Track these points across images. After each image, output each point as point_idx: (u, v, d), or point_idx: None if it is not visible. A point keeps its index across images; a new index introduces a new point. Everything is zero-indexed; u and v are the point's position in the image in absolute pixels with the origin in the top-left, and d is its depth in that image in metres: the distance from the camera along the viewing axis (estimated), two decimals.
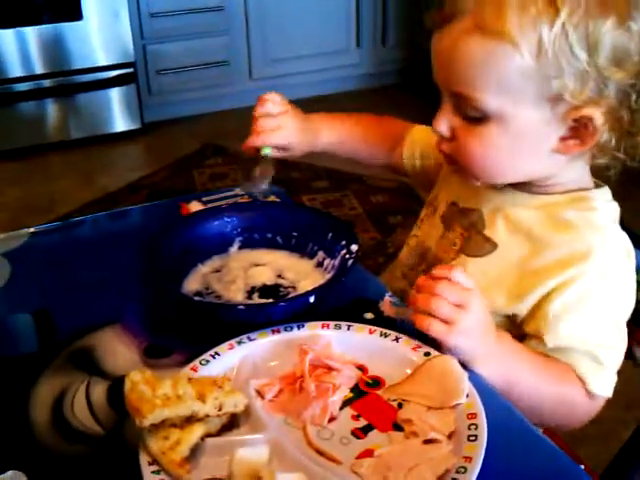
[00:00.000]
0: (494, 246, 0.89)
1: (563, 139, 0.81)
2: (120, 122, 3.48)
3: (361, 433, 0.69)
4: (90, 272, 0.99)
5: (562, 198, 0.87)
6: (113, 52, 3.34)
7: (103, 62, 3.34)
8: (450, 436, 0.67)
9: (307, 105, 3.79)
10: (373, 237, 2.61)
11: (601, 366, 0.81)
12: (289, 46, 3.77)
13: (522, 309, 0.84)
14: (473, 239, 0.91)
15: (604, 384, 0.82)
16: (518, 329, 0.85)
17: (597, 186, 0.88)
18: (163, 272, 0.85)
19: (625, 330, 0.85)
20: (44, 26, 3.18)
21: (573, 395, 0.82)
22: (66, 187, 3.01)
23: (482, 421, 0.66)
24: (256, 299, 0.88)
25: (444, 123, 0.85)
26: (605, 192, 0.88)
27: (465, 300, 0.75)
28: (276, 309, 0.82)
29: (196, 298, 0.86)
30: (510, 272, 0.86)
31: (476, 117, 0.81)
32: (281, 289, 0.90)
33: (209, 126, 3.61)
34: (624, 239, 0.86)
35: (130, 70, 3.40)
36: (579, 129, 0.79)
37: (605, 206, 0.87)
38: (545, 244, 0.85)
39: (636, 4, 0.77)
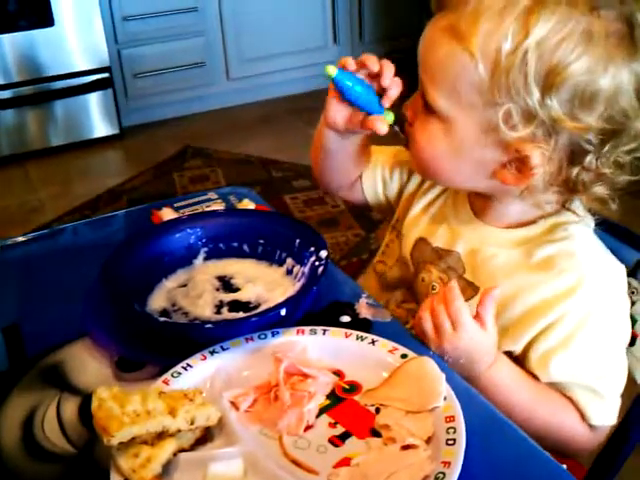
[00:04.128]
0: (476, 290, 0.87)
1: (503, 167, 0.78)
2: (98, 127, 3.45)
3: (338, 441, 0.67)
4: (60, 284, 0.96)
5: (538, 229, 0.84)
6: (88, 57, 3.31)
7: (78, 68, 3.31)
8: (428, 441, 0.65)
9: (286, 103, 3.78)
10: (357, 234, 2.60)
11: (600, 397, 0.80)
12: (265, 45, 3.75)
13: (515, 349, 0.83)
14: None
15: (605, 415, 0.81)
16: (515, 361, 0.83)
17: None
18: (125, 292, 0.82)
19: (624, 355, 0.83)
20: (18, 33, 3.14)
21: (568, 427, 0.81)
22: (45, 196, 2.98)
23: (460, 424, 0.65)
24: (225, 313, 0.85)
25: (411, 106, 0.85)
26: (577, 206, 0.84)
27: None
28: (247, 324, 0.79)
29: (161, 319, 0.82)
30: (496, 315, 0.81)
31: (431, 110, 0.80)
32: (251, 300, 0.87)
33: (188, 128, 3.58)
34: (605, 263, 0.83)
35: (106, 75, 3.37)
36: (519, 164, 0.77)
37: (579, 229, 0.83)
38: (528, 286, 0.82)
39: (635, 49, 0.71)
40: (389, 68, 0.85)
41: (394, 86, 0.85)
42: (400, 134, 0.87)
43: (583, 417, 0.81)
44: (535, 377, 0.82)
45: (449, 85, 0.76)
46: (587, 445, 0.83)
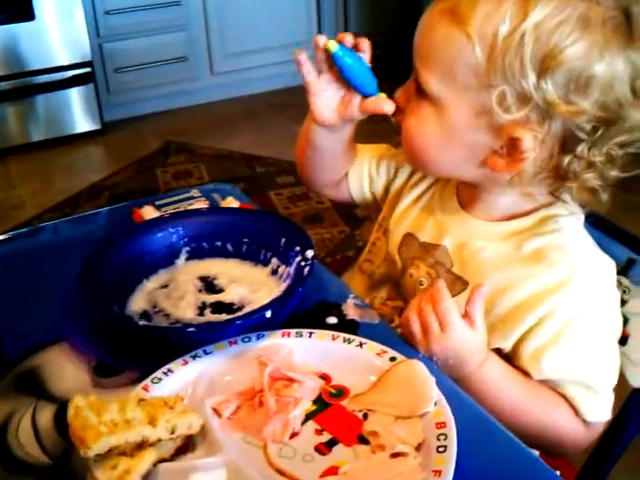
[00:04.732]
0: (465, 284, 0.85)
1: (494, 153, 0.77)
2: (80, 123, 3.41)
3: (325, 448, 0.65)
4: (38, 284, 0.93)
5: (528, 222, 0.83)
6: (69, 52, 3.26)
7: (59, 62, 3.26)
8: (418, 448, 0.63)
9: (270, 98, 3.75)
10: (342, 230, 2.58)
11: (594, 393, 0.79)
12: (249, 39, 3.72)
13: (505, 346, 0.81)
14: (442, 278, 0.85)
15: (599, 410, 0.80)
16: (505, 358, 0.81)
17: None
18: (104, 293, 0.79)
19: (616, 349, 0.82)
20: None
21: (562, 424, 0.79)
22: (26, 192, 2.93)
23: (452, 430, 0.62)
24: (208, 315, 0.83)
25: (403, 93, 0.83)
26: (567, 199, 0.82)
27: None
28: (231, 327, 0.77)
29: (141, 322, 0.79)
30: (485, 311, 0.79)
31: (424, 94, 0.78)
32: (235, 302, 0.85)
33: (171, 123, 3.54)
34: (595, 256, 0.82)
35: (87, 69, 3.32)
36: (511, 149, 0.76)
37: (570, 222, 0.82)
38: (517, 280, 0.80)
39: (636, 37, 0.71)
40: (346, 33, 0.84)
41: (361, 41, 0.83)
42: (391, 119, 0.86)
43: (577, 413, 0.79)
44: (526, 374, 0.80)
45: (444, 67, 0.75)
46: (582, 442, 0.82)
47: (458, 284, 0.85)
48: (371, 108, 0.84)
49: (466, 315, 0.75)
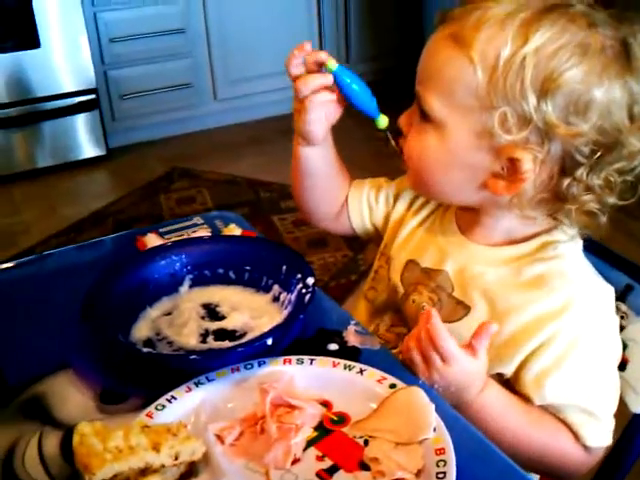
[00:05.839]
0: (467, 309, 0.86)
1: (495, 176, 0.79)
2: (85, 149, 3.44)
3: (326, 475, 0.66)
4: (41, 313, 0.94)
5: (528, 247, 0.84)
6: (74, 79, 3.31)
7: (65, 89, 3.31)
8: (418, 474, 0.63)
9: (273, 123, 3.78)
10: (345, 255, 2.59)
11: (595, 419, 0.79)
12: (252, 65, 3.76)
13: (506, 371, 0.82)
14: (444, 303, 0.87)
15: (599, 436, 0.80)
16: (506, 384, 0.82)
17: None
18: (108, 321, 0.80)
19: (616, 374, 0.82)
20: (3, 55, 3.13)
21: (563, 449, 0.80)
22: (30, 218, 2.95)
23: (451, 457, 0.63)
24: (211, 342, 0.84)
25: (406, 118, 0.85)
26: (566, 224, 0.83)
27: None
28: (233, 354, 0.78)
29: (145, 350, 0.80)
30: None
31: (426, 118, 0.80)
32: (237, 329, 0.86)
33: (175, 149, 3.58)
34: (595, 282, 0.83)
35: (92, 96, 3.36)
36: (511, 171, 0.77)
37: (569, 248, 0.83)
38: (518, 305, 0.81)
39: (634, 66, 0.73)
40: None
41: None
42: (391, 140, 0.88)
43: (577, 439, 0.80)
44: (527, 399, 0.81)
45: (446, 89, 0.77)
46: (582, 467, 0.82)
47: (459, 308, 0.86)
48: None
49: (469, 346, 0.75)
